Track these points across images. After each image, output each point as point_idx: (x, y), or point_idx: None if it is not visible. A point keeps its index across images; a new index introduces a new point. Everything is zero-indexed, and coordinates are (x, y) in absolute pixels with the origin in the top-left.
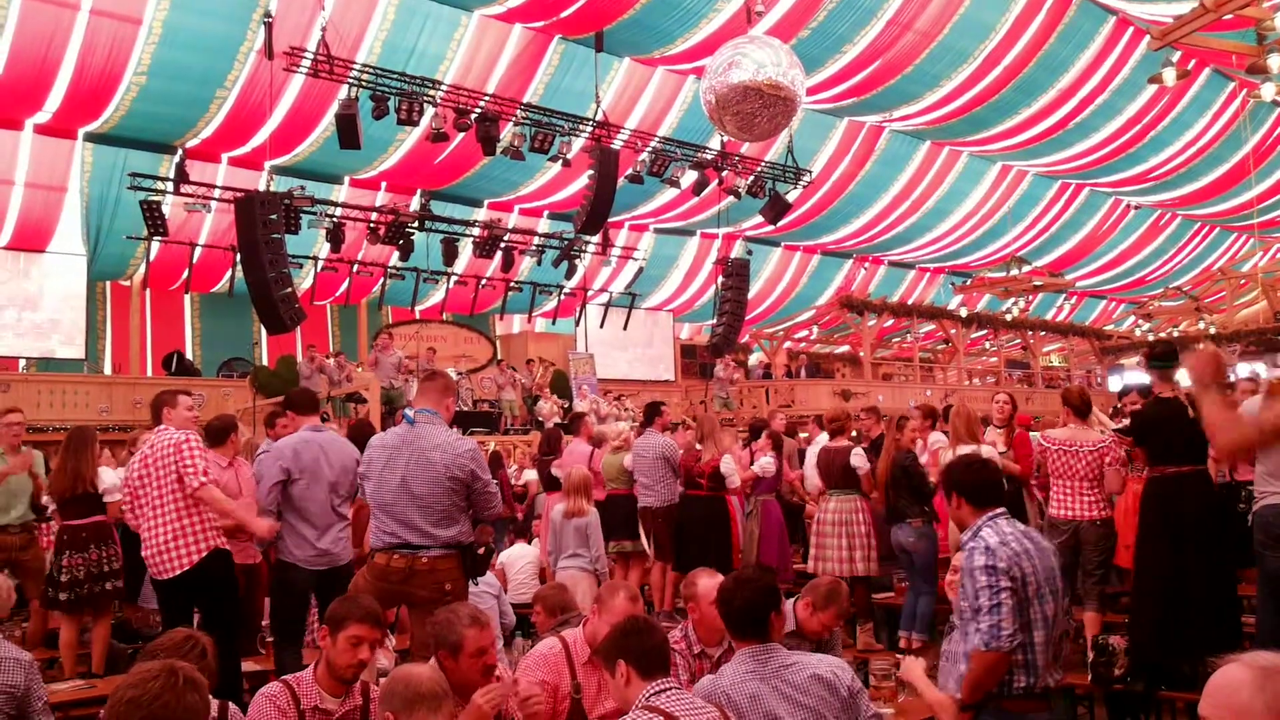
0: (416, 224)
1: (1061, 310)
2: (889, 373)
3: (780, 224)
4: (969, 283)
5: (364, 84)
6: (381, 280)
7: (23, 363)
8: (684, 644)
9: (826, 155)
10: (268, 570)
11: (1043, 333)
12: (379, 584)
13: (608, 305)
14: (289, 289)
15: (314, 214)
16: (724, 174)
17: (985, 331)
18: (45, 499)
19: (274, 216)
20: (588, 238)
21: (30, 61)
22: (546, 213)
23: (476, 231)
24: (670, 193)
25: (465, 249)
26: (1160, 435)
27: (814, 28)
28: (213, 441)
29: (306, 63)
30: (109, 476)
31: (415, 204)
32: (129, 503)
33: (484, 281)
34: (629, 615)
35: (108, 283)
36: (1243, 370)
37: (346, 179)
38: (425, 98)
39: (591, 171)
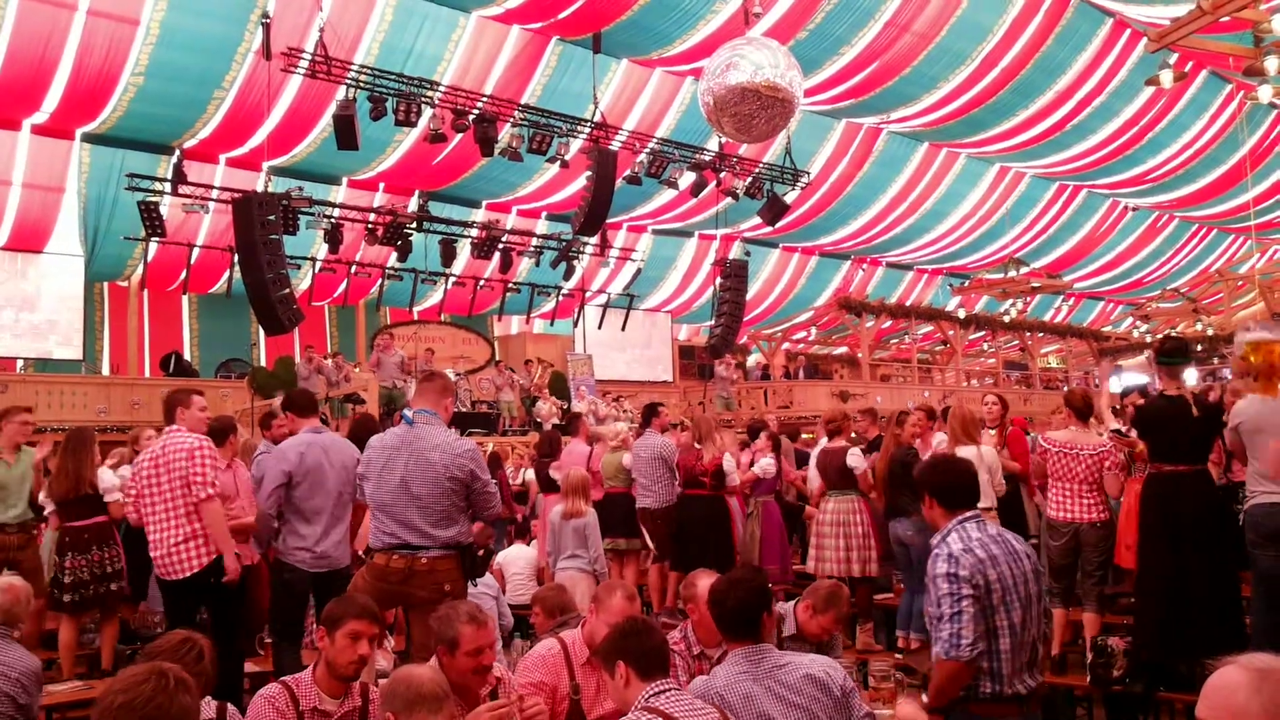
0: (414, 225)
1: (1059, 311)
2: (887, 374)
3: (778, 225)
4: (967, 284)
5: (362, 85)
6: (379, 281)
7: (20, 363)
8: (683, 645)
9: (824, 157)
10: (267, 571)
11: (1041, 334)
12: (378, 584)
13: (606, 306)
14: (287, 290)
15: (312, 215)
16: (722, 175)
17: (983, 333)
18: (43, 498)
19: (272, 217)
20: (586, 239)
21: (27, 62)
22: (545, 214)
23: (475, 232)
24: (668, 194)
25: (463, 250)
26: (1164, 432)
27: (812, 29)
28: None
29: (304, 64)
30: (109, 477)
31: (413, 205)
32: (134, 499)
33: (482, 282)
34: (627, 615)
35: (105, 283)
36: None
37: (344, 180)
38: (423, 99)
39: (589, 173)
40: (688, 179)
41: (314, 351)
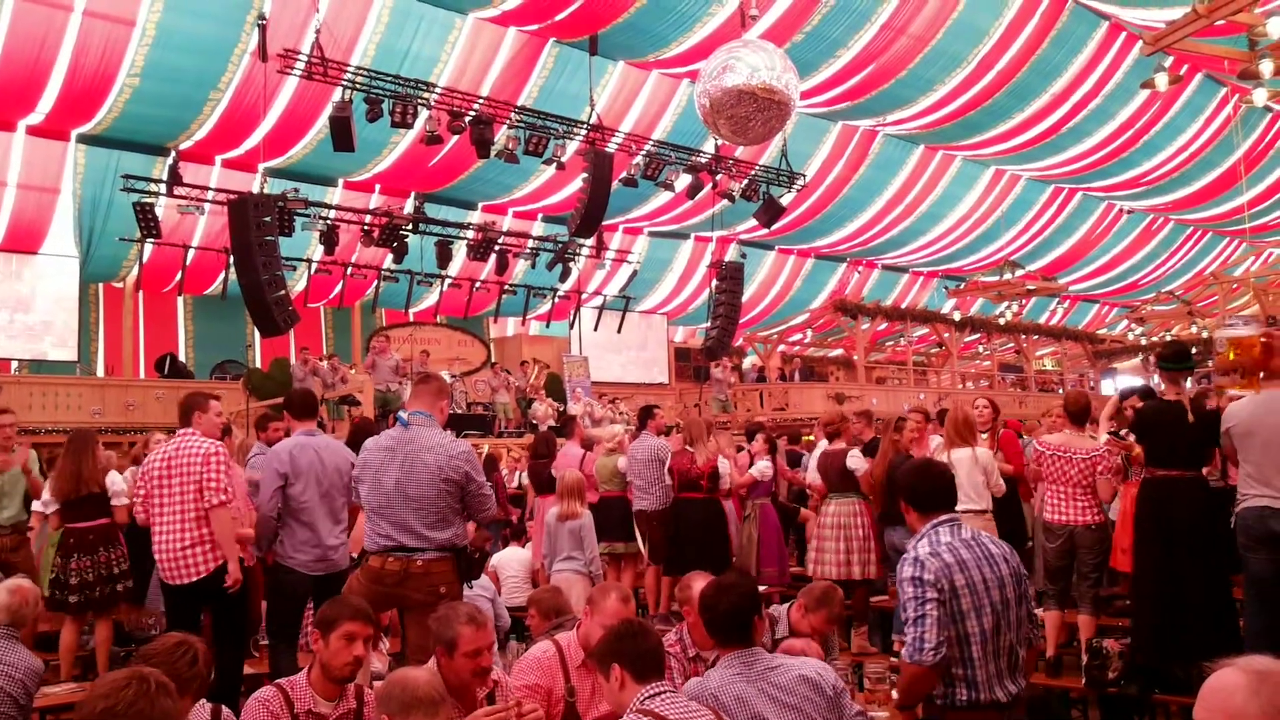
0: (410, 226)
1: (1054, 314)
2: (883, 376)
3: (774, 227)
4: (962, 286)
5: (358, 86)
6: (375, 283)
7: (15, 365)
8: (679, 647)
9: (820, 159)
10: (261, 574)
11: (1036, 336)
12: (373, 587)
13: (602, 308)
14: (282, 291)
15: (308, 216)
16: (718, 177)
17: (978, 335)
18: (46, 498)
19: (267, 219)
20: (582, 241)
21: (23, 62)
22: (540, 216)
23: (471, 234)
24: (664, 196)
25: (459, 252)
26: (1160, 436)
27: (808, 32)
28: None
29: (300, 65)
30: (118, 481)
31: (409, 206)
32: (142, 498)
33: (478, 284)
34: (621, 616)
35: (100, 285)
36: None
37: (340, 181)
38: (419, 100)
39: (585, 175)
40: (684, 181)
41: (309, 353)
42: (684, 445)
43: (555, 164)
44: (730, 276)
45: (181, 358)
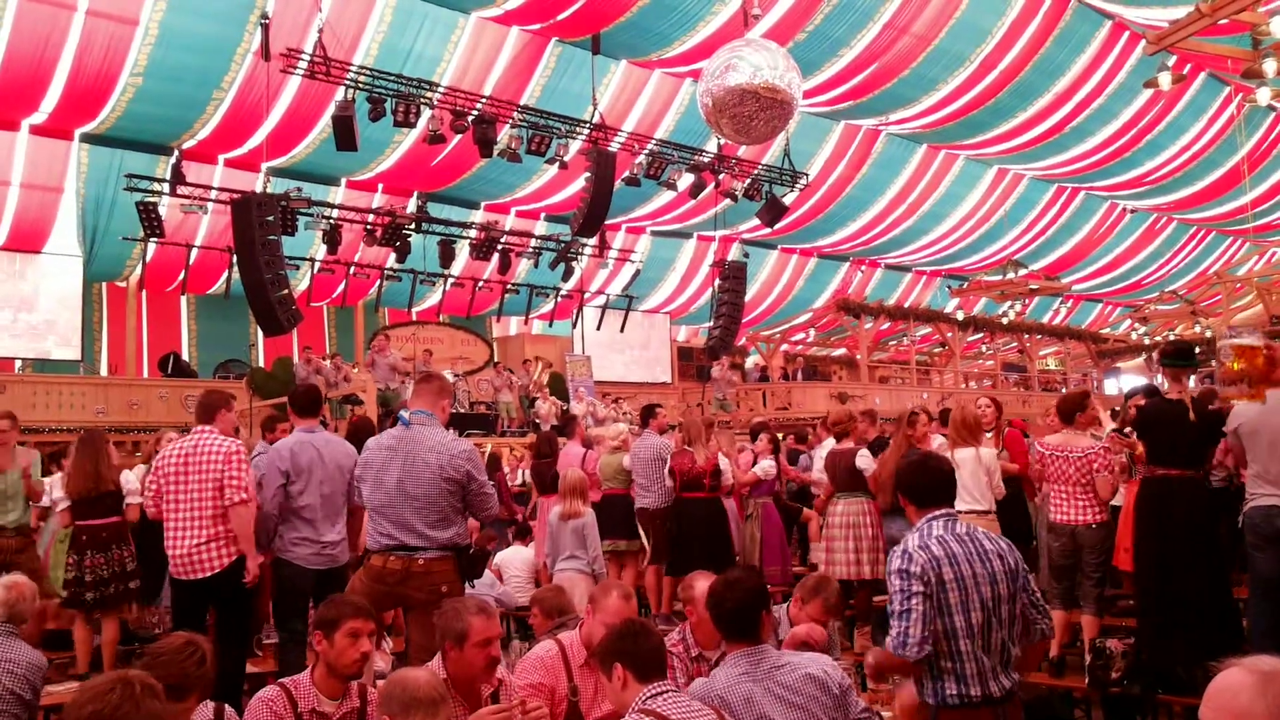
0: (413, 226)
1: (1058, 313)
2: (886, 375)
3: (777, 227)
4: (965, 286)
5: (361, 86)
6: (378, 282)
7: (18, 364)
8: (681, 647)
9: (823, 158)
10: (268, 571)
11: (1039, 336)
12: (375, 586)
13: (604, 307)
14: (285, 290)
15: (310, 215)
16: (721, 177)
17: (982, 334)
18: (58, 495)
19: (270, 218)
20: (584, 240)
21: (26, 62)
22: (543, 215)
23: (473, 233)
24: (667, 195)
25: (462, 251)
26: (1161, 435)
27: (811, 31)
28: None
29: (303, 64)
30: (132, 480)
31: (412, 206)
32: (154, 493)
33: (481, 283)
34: (623, 615)
35: (104, 284)
36: None
37: (343, 180)
38: (422, 100)
39: (588, 174)
40: (686, 180)
41: (312, 352)
42: (683, 445)
43: (558, 163)
44: (733, 276)
45: (185, 357)
